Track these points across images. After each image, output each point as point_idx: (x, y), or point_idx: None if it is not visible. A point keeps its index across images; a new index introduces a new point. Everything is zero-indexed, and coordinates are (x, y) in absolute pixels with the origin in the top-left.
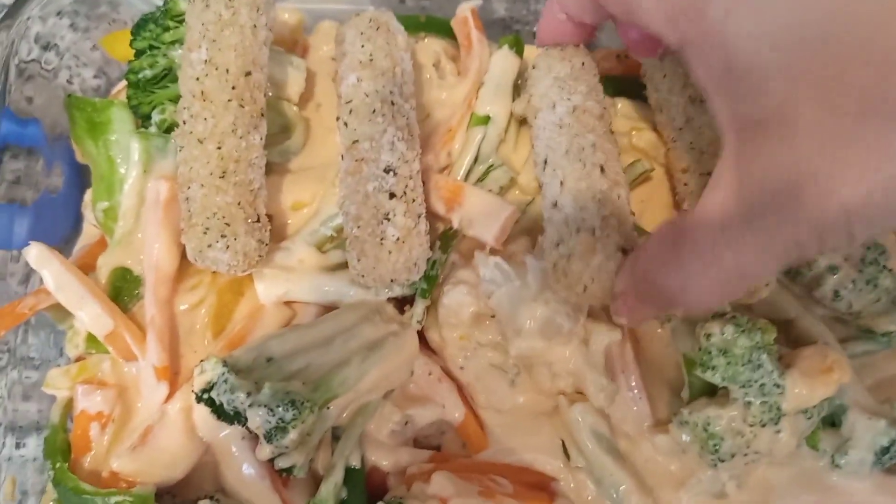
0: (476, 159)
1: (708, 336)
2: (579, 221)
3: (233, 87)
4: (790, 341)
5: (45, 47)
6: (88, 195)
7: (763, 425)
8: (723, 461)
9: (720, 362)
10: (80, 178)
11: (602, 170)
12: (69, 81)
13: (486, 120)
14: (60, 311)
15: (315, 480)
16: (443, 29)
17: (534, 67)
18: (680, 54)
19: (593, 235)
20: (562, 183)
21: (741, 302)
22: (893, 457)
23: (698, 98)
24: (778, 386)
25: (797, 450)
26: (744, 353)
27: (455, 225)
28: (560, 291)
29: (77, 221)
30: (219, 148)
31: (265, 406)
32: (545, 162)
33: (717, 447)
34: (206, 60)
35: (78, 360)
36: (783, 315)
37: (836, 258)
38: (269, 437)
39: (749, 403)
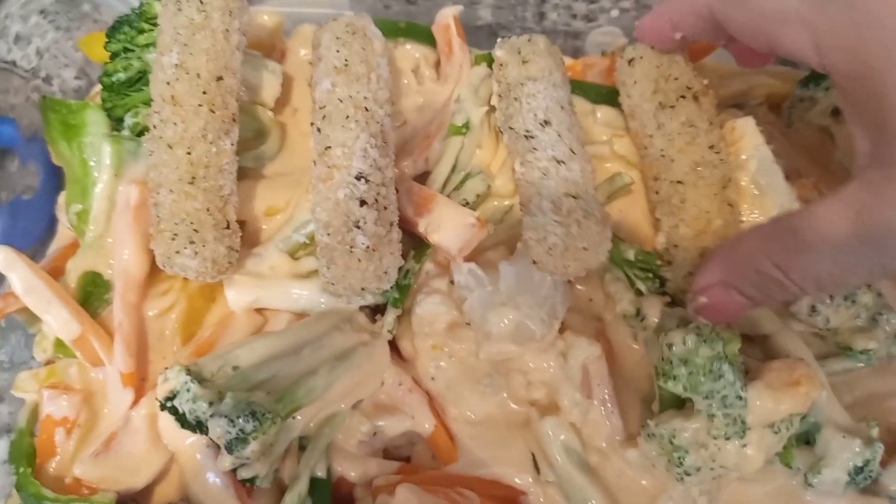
0: (453, 168)
1: (670, 346)
2: (574, 192)
3: (203, 92)
4: (768, 357)
5: (24, 46)
6: (62, 197)
7: (727, 438)
8: (688, 475)
9: (681, 372)
10: (56, 179)
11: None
12: (49, 82)
13: (463, 129)
14: (30, 315)
15: (280, 490)
16: (423, 35)
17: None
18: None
19: (584, 211)
20: (572, 151)
21: None
22: (868, 477)
23: (668, 104)
24: (740, 398)
25: (770, 466)
26: (705, 363)
27: (421, 229)
28: (547, 264)
29: (52, 223)
30: (188, 153)
31: (226, 417)
32: (546, 122)
33: (682, 459)
34: (177, 64)
35: (47, 363)
36: (760, 330)
37: None
38: (229, 448)
39: (712, 416)
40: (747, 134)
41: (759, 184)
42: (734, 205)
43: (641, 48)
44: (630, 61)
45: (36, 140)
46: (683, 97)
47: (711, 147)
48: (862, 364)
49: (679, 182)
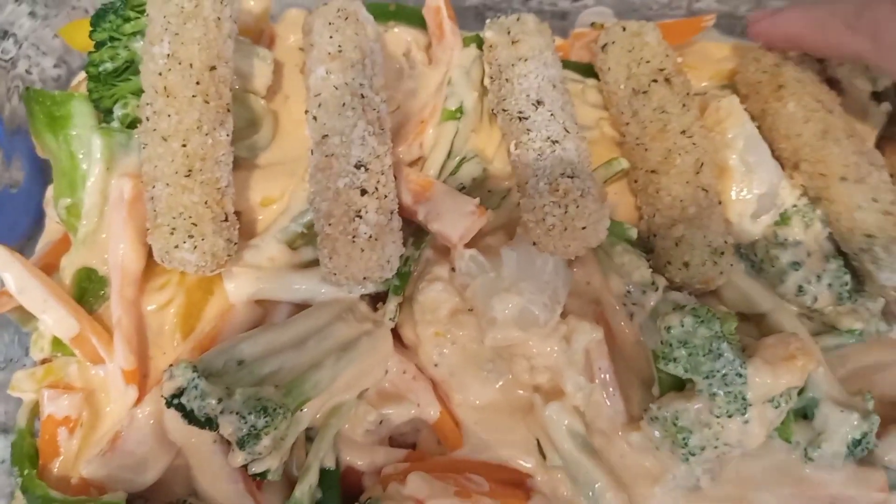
0: (449, 154)
1: (668, 328)
2: (570, 171)
3: (197, 83)
4: (763, 335)
5: (3, 36)
6: (50, 191)
7: (730, 416)
8: (693, 455)
9: (681, 354)
10: (42, 173)
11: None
12: (28, 71)
13: (457, 113)
14: (24, 314)
15: (289, 482)
16: (413, 18)
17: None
18: None
19: (581, 190)
20: (566, 129)
21: (703, 291)
22: (865, 449)
23: (640, 90)
24: (740, 375)
25: (770, 442)
26: (704, 343)
27: (420, 217)
28: (547, 244)
29: (39, 218)
30: (184, 146)
31: (237, 413)
32: (538, 102)
33: (686, 440)
34: (168, 55)
35: (44, 362)
36: (756, 308)
37: (800, 254)
38: (241, 444)
39: (714, 395)
40: (732, 113)
41: (748, 161)
42: (709, 189)
43: (614, 31)
44: (603, 47)
45: (20, 133)
46: (655, 81)
47: (684, 132)
48: (854, 340)
49: (653, 171)
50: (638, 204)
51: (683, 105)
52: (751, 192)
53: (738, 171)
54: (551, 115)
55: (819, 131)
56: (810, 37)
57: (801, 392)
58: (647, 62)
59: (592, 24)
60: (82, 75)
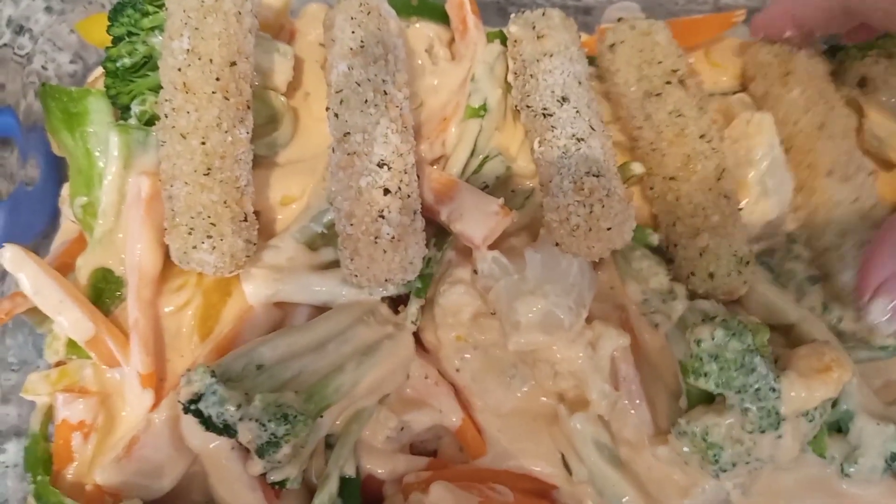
0: (472, 152)
1: (698, 342)
2: (595, 170)
3: (217, 79)
4: (793, 345)
5: (18, 31)
6: (66, 189)
7: (763, 431)
8: (724, 471)
9: (712, 368)
10: (57, 170)
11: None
12: (44, 67)
13: (481, 111)
14: (39, 315)
15: (309, 490)
16: (436, 13)
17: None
18: None
19: (607, 190)
20: (592, 127)
21: (726, 301)
22: None
23: (654, 92)
24: (774, 390)
25: (803, 455)
26: (736, 357)
27: (442, 218)
28: (570, 245)
29: (54, 216)
30: (203, 143)
31: (256, 420)
32: (564, 99)
33: (717, 457)
34: (188, 50)
35: (58, 365)
36: (783, 319)
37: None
38: (260, 452)
39: (746, 410)
40: (763, 130)
41: (766, 184)
42: (730, 196)
43: (622, 30)
44: (611, 46)
45: (36, 130)
46: (669, 83)
47: (702, 136)
48: (887, 356)
49: (672, 178)
50: (654, 212)
51: (700, 108)
52: (761, 217)
53: (753, 190)
54: (577, 112)
55: (817, 123)
56: (800, 9)
57: (834, 405)
58: (660, 63)
59: (619, 20)
60: (99, 71)
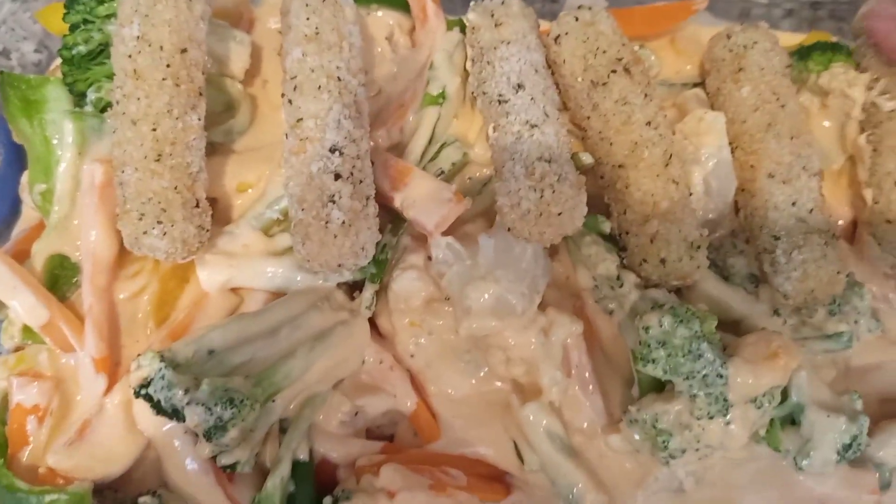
0: (430, 139)
1: (646, 328)
2: (548, 156)
3: (167, 65)
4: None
5: None
6: (26, 177)
7: (711, 417)
8: (674, 457)
9: (660, 355)
10: (18, 158)
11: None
12: (6, 56)
13: (439, 98)
14: None
15: (262, 474)
16: (397, 1)
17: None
18: None
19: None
20: (546, 114)
21: (676, 287)
22: (857, 451)
23: (600, 82)
24: (721, 376)
25: (757, 447)
26: (683, 343)
27: (397, 204)
28: (521, 230)
29: (15, 204)
30: (153, 129)
31: (203, 404)
32: (519, 86)
33: (667, 443)
34: (138, 37)
35: (16, 350)
36: (730, 315)
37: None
38: (208, 436)
39: (694, 396)
40: (714, 130)
41: (710, 184)
42: (679, 181)
43: (566, 22)
44: (556, 39)
45: None
46: (615, 71)
47: (649, 123)
48: (842, 346)
49: (620, 166)
50: (605, 200)
51: (645, 95)
52: (701, 215)
53: (696, 189)
54: (532, 99)
55: (764, 123)
56: None
57: (785, 398)
58: (604, 52)
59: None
60: (59, 61)
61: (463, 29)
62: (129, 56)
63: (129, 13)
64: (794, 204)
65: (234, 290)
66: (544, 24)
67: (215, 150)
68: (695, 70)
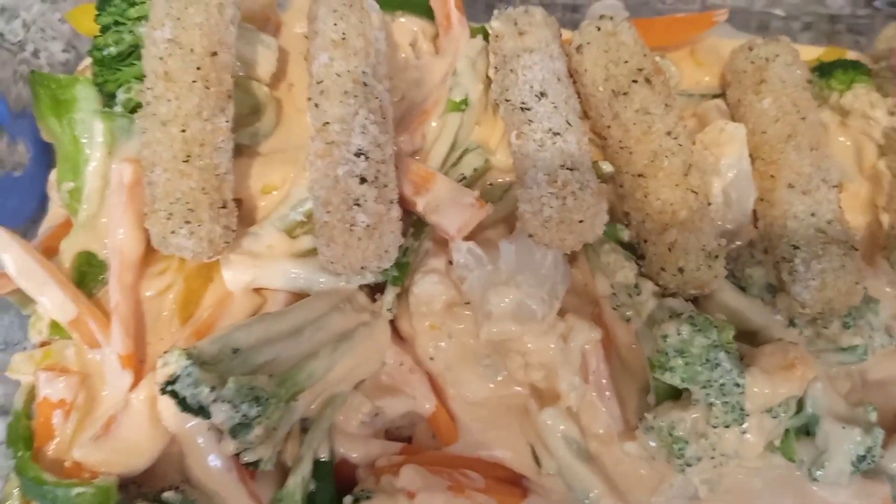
0: (452, 145)
1: (665, 337)
2: (570, 163)
3: (198, 68)
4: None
5: (10, 19)
6: (54, 175)
7: (727, 426)
8: (690, 465)
9: (678, 363)
10: (46, 156)
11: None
12: (35, 55)
13: (462, 105)
14: (23, 296)
15: (283, 472)
16: (421, 8)
17: None
18: None
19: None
20: (568, 122)
21: (693, 296)
22: (871, 462)
23: (621, 91)
24: (738, 385)
25: (772, 456)
26: (701, 352)
27: (419, 209)
28: (543, 236)
29: (43, 201)
30: (183, 131)
31: (229, 402)
32: (542, 94)
33: (683, 451)
34: (169, 39)
35: (43, 345)
36: (748, 326)
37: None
38: (233, 433)
39: (711, 404)
40: (734, 141)
41: (729, 195)
42: (698, 191)
43: (588, 32)
44: (578, 48)
45: (25, 116)
46: (636, 81)
47: (669, 133)
48: (857, 359)
49: (640, 175)
50: (625, 209)
51: (666, 105)
52: (720, 226)
53: (715, 200)
54: (554, 107)
55: (784, 134)
56: None
57: (801, 408)
58: (626, 62)
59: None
60: (88, 59)
61: (486, 36)
62: (161, 58)
63: (160, 16)
64: (813, 214)
65: (257, 290)
66: (566, 34)
67: (241, 152)
68: (714, 81)
